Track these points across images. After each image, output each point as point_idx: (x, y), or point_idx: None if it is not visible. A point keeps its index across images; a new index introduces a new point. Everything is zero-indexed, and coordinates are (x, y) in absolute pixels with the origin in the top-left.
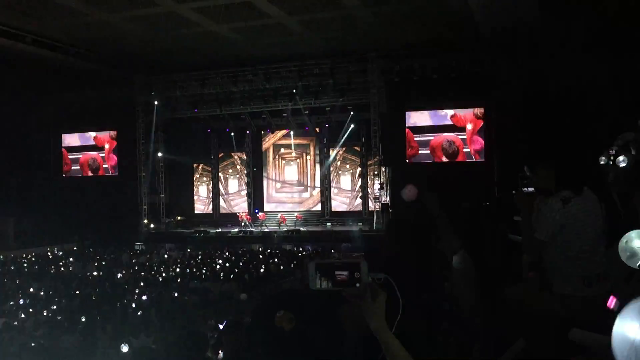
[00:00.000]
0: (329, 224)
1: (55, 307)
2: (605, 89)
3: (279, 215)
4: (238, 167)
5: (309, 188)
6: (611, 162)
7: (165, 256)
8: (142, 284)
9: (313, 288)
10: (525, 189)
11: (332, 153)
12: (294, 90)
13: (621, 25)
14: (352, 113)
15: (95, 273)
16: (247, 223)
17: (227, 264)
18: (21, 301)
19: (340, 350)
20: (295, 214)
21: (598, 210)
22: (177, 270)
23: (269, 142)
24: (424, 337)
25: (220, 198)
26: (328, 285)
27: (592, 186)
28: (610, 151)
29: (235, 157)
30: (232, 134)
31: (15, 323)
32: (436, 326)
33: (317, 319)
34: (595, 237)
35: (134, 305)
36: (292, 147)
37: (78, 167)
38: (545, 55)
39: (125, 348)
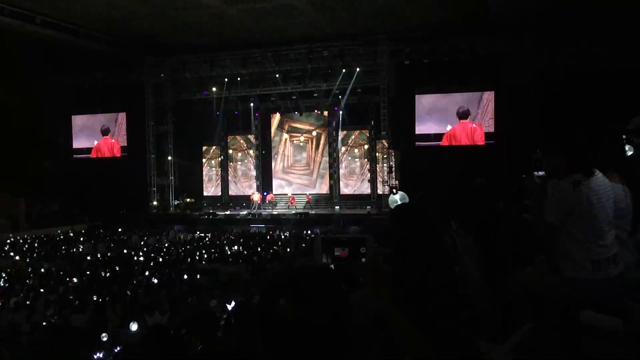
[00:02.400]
0: (337, 207)
1: (66, 287)
2: (616, 72)
3: (289, 196)
4: (246, 149)
5: (318, 171)
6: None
7: (175, 238)
8: (151, 264)
9: (319, 263)
10: (536, 172)
11: (341, 136)
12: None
13: (634, 8)
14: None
15: (105, 254)
16: (259, 204)
17: (236, 246)
18: (33, 281)
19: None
20: (307, 194)
21: (609, 194)
22: (187, 251)
23: (277, 124)
24: (433, 319)
25: (229, 180)
26: (334, 260)
27: (616, 170)
28: (624, 136)
29: (244, 139)
30: (241, 116)
31: (27, 302)
32: (446, 309)
33: (322, 298)
34: (605, 220)
35: (144, 285)
36: (301, 130)
37: (88, 149)
38: (557, 39)
39: (134, 326)
